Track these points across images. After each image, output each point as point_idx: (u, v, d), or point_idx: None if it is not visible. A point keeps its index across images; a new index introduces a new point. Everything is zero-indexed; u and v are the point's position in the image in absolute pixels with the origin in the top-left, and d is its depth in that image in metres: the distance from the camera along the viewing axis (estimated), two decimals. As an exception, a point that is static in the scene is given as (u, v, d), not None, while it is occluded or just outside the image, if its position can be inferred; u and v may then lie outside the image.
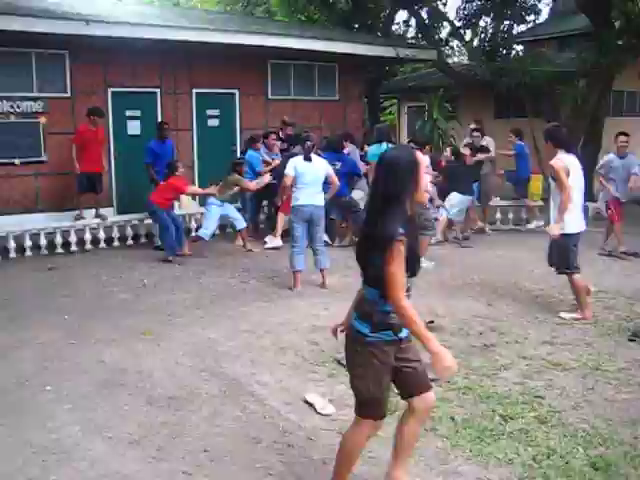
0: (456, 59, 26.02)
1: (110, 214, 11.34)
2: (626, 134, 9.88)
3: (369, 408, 3.19)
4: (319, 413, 4.46)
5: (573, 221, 6.40)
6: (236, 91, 13.63)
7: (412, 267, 3.03)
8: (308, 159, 7.79)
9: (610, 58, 14.01)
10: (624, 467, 3.70)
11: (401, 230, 2.90)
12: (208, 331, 6.24)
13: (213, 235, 10.22)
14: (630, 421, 4.30)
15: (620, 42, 14.64)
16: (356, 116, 15.64)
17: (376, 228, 2.96)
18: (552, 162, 6.50)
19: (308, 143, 8.05)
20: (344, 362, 5.17)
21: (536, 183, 12.19)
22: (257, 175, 10.66)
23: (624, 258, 9.28)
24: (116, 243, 10.59)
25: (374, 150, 9.59)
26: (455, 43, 22.68)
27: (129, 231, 10.75)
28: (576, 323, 6.40)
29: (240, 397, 4.76)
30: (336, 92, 15.10)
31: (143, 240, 10.85)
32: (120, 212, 11.86)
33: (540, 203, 11.95)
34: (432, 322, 6.19)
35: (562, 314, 6.58)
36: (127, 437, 4.15)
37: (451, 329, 6.22)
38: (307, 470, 3.75)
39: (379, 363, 3.07)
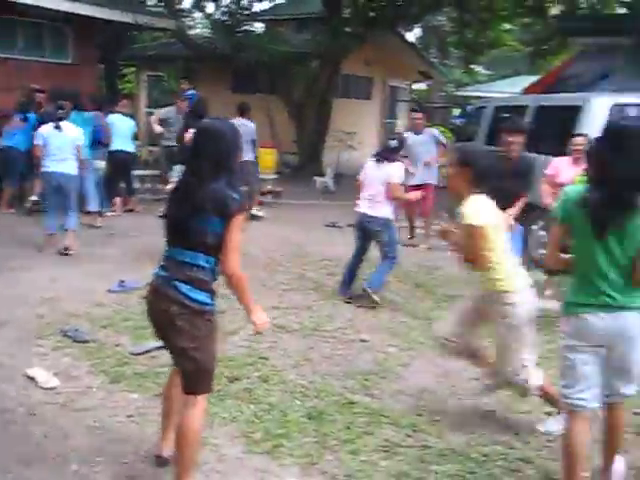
0: (198, 31, 25.94)
1: None
2: (417, 110, 10.13)
3: (209, 382, 3.11)
4: (42, 387, 4.31)
5: None
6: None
7: None
8: (58, 127, 7.81)
9: (339, 43, 15.01)
10: (334, 414, 4.11)
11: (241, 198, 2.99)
12: None
13: None
14: (342, 374, 4.77)
15: (349, 29, 15.75)
16: (90, 81, 14.93)
17: (213, 196, 2.93)
18: None
19: (60, 111, 8.00)
20: (70, 334, 5.07)
21: (268, 157, 12.70)
22: None
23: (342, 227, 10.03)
24: None
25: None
26: (197, 15, 22.59)
27: None
28: (299, 288, 6.86)
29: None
30: (69, 55, 14.29)
31: None
32: None
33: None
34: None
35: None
36: None
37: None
38: (28, 446, 3.61)
39: (216, 332, 3.09)
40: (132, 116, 10.77)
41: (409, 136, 9.34)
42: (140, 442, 3.68)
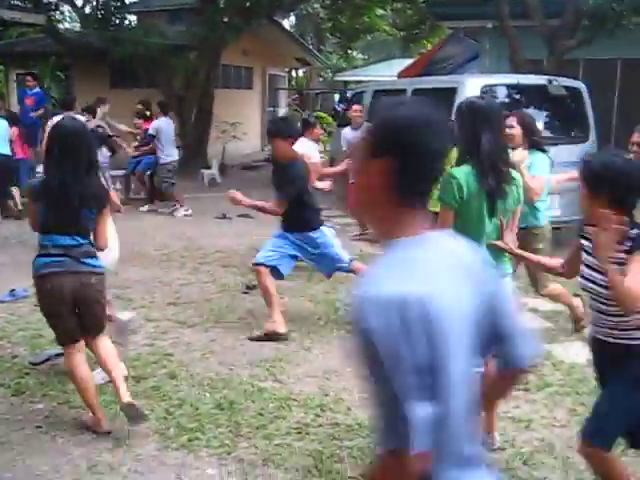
0: (68, 25, 24.95)
1: None
2: (348, 101, 10.17)
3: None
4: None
5: None
6: None
7: None
8: None
9: (216, 34, 14.90)
10: (244, 403, 4.21)
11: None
12: None
13: None
14: (248, 363, 4.86)
15: (225, 19, 15.66)
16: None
17: (91, 189, 3.72)
18: None
19: None
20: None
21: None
22: None
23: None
24: None
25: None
26: (67, 8, 21.74)
27: None
28: (196, 282, 6.88)
29: None
30: None
31: None
32: None
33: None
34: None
35: None
36: None
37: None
38: None
39: None
40: (6, 117, 10.29)
41: (347, 132, 9.25)
42: (52, 451, 3.64)
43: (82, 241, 3.74)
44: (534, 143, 4.98)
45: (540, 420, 4.00)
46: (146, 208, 11.08)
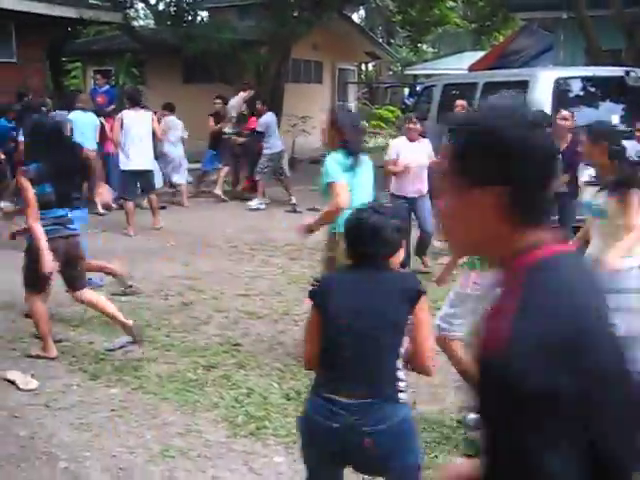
0: (142, 22, 25.59)
1: None
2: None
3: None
4: (22, 389, 4.36)
5: None
6: None
7: None
8: None
9: (287, 28, 15.02)
10: (311, 394, 4.26)
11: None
12: None
13: None
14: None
15: (295, 14, 15.77)
16: (38, 80, 14.72)
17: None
18: None
19: None
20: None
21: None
22: None
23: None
24: None
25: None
26: (141, 6, 22.31)
27: None
28: (266, 274, 6.98)
29: None
30: (14, 54, 14.03)
31: None
32: None
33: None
34: (131, 286, 6.31)
35: None
36: None
37: (149, 291, 6.39)
38: (14, 447, 3.68)
39: None
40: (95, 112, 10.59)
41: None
42: (126, 434, 3.78)
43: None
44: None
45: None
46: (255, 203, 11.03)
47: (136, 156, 8.92)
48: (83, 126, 9.35)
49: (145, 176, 9.13)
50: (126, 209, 8.80)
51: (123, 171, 9.10)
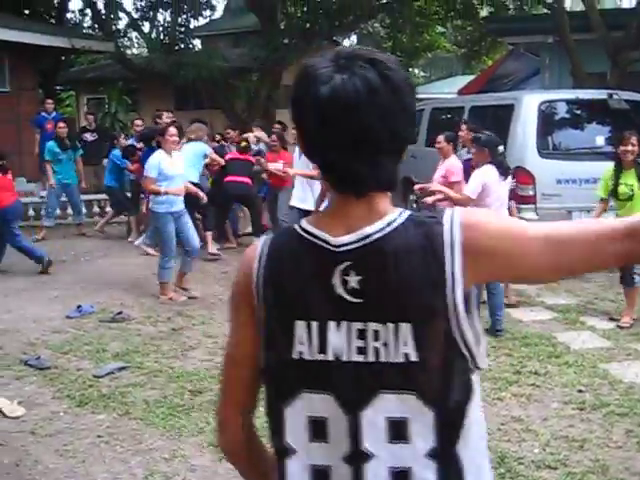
0: (135, 51, 25.84)
1: None
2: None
3: None
4: (8, 417, 4.37)
5: None
6: None
7: None
8: None
9: (278, 55, 15.21)
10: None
11: None
12: None
13: None
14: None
15: (286, 41, 15.98)
16: (31, 109, 14.83)
17: None
18: None
19: None
20: (32, 363, 5.13)
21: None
22: None
23: None
24: None
25: None
26: (134, 35, 22.56)
27: None
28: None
29: None
30: (7, 83, 14.16)
31: None
32: None
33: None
34: (120, 313, 6.35)
35: None
36: None
37: (140, 318, 6.41)
38: (-2, 474, 3.69)
39: None
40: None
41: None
42: (111, 460, 3.79)
43: None
44: None
45: (595, 440, 3.93)
46: None
47: None
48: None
49: None
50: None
51: None
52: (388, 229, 1.17)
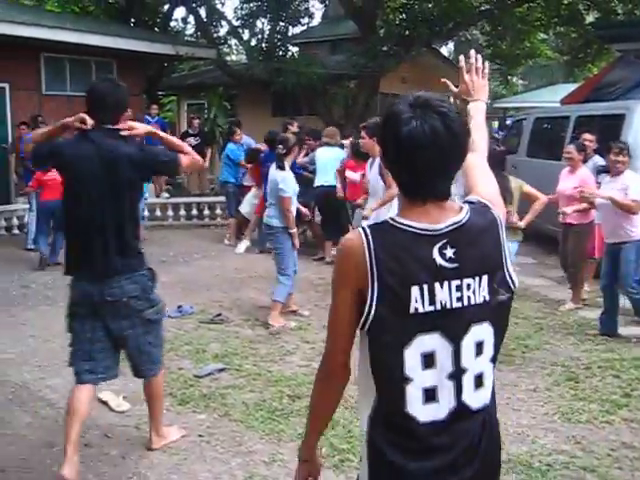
0: (235, 57, 26.41)
1: None
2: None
3: None
4: (114, 410, 4.50)
5: None
6: (6, 85, 12.81)
7: None
8: None
9: (376, 62, 15.18)
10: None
11: None
12: (-12, 339, 5.94)
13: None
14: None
15: (385, 48, 15.93)
16: (136, 113, 15.40)
17: None
18: None
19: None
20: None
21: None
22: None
23: None
24: None
25: None
26: (234, 42, 23.08)
27: None
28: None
29: (30, 403, 4.64)
30: (116, 88, 14.73)
31: None
32: None
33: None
34: (219, 315, 6.45)
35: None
36: None
37: (238, 320, 6.50)
38: (106, 467, 3.80)
39: None
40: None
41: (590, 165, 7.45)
42: (212, 460, 3.84)
43: None
44: None
45: None
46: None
47: None
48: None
49: None
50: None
51: None
52: (466, 217, 1.74)
